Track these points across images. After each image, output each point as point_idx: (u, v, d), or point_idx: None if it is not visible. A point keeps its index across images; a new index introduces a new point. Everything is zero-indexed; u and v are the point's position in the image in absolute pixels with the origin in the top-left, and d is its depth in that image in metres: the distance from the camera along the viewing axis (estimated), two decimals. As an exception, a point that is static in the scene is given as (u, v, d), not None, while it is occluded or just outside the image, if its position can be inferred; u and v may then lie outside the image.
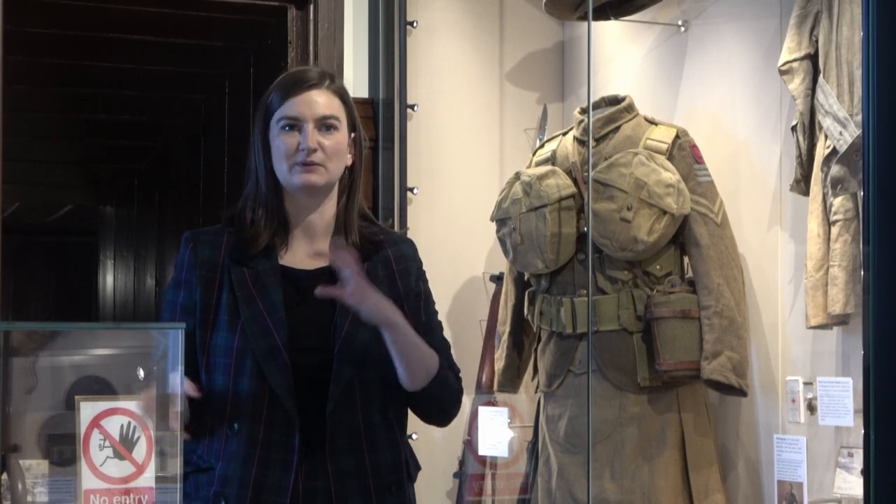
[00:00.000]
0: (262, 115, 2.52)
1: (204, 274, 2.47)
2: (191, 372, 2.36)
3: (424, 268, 2.61)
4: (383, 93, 4.26)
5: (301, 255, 2.51)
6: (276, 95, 2.50)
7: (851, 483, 3.28)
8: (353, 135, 2.53)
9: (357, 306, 2.39)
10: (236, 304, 2.43)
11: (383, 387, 2.47)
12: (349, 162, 2.53)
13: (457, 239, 4.32)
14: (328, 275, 2.47)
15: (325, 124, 2.47)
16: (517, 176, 3.88)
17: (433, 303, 2.61)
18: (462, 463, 4.19)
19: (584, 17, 3.94)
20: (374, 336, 2.45)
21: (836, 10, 3.31)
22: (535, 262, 3.79)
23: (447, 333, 2.64)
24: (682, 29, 3.95)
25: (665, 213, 3.58)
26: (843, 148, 3.20)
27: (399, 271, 2.54)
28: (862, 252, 2.75)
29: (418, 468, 2.58)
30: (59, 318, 10.34)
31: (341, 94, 2.52)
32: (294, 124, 2.46)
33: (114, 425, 2.12)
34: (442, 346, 2.57)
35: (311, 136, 2.45)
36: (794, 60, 3.40)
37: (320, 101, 2.48)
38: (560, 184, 3.77)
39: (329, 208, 2.52)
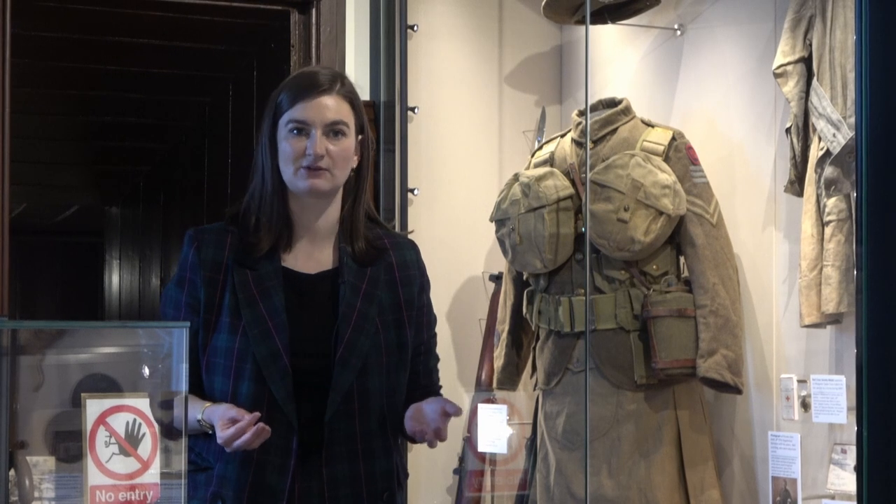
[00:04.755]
0: (270, 113, 2.48)
1: (208, 275, 2.44)
2: (193, 371, 2.36)
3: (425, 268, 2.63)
4: (384, 95, 4.27)
5: (304, 257, 2.48)
6: (286, 96, 2.46)
7: (845, 479, 3.28)
8: (360, 137, 2.50)
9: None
10: (238, 306, 2.41)
11: (382, 395, 2.45)
12: (355, 164, 2.50)
13: (457, 239, 4.33)
14: (330, 278, 2.47)
15: (333, 130, 2.44)
16: (516, 177, 3.90)
17: (433, 314, 2.61)
18: (462, 459, 4.20)
19: (581, 21, 3.95)
20: (375, 344, 2.44)
21: (830, 13, 3.32)
22: (533, 261, 3.82)
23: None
24: (679, 32, 3.97)
25: (661, 213, 3.61)
26: (836, 150, 3.22)
27: (401, 278, 2.52)
28: (855, 252, 2.75)
29: (407, 475, 2.59)
30: (66, 316, 10.34)
31: (351, 99, 2.49)
32: (302, 128, 2.43)
33: (119, 422, 2.11)
34: (433, 368, 2.60)
35: (318, 142, 2.41)
36: (789, 63, 3.41)
37: (330, 107, 2.44)
38: (558, 185, 3.80)
39: (333, 211, 2.50)
